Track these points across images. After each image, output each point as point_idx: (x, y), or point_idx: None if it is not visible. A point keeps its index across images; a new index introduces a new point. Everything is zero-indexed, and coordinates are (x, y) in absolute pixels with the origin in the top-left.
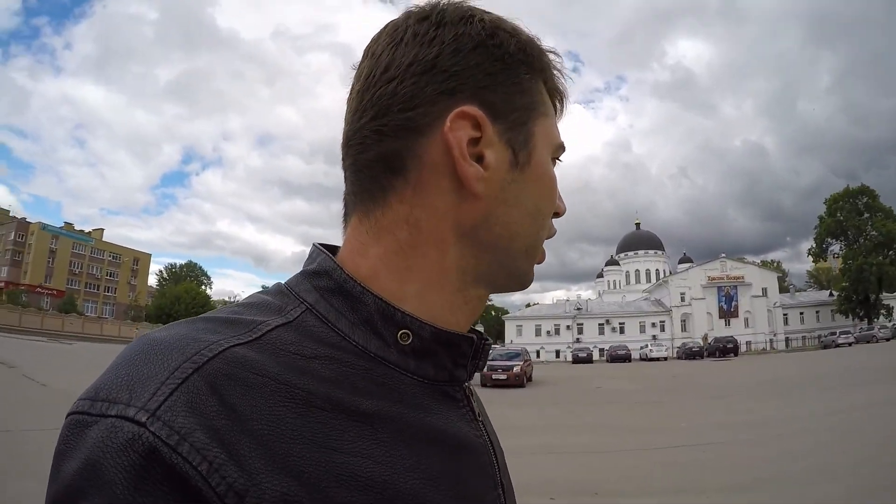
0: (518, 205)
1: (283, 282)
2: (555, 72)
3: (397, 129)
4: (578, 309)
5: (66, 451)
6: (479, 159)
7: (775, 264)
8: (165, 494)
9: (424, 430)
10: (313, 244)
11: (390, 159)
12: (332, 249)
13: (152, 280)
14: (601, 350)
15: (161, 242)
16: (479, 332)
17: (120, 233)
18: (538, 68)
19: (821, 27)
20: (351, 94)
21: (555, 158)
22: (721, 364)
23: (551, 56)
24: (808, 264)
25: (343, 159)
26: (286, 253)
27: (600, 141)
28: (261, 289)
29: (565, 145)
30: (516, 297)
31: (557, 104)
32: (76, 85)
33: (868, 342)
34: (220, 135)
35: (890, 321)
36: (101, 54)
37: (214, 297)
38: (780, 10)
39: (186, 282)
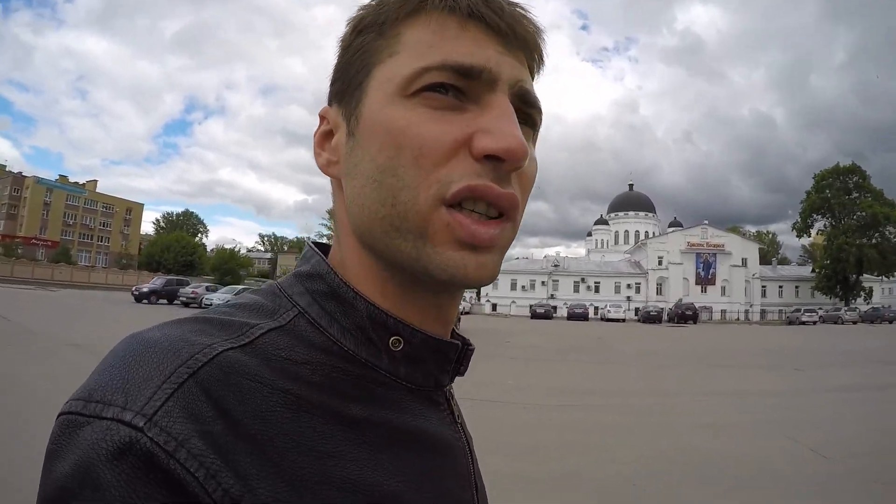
0: (358, 173)
1: (276, 282)
2: (383, 13)
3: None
4: (555, 266)
5: (58, 452)
6: (326, 148)
7: (770, 235)
8: (162, 500)
9: (410, 433)
10: (307, 244)
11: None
12: (326, 248)
13: (150, 228)
14: (574, 308)
15: (163, 191)
16: (464, 338)
17: (122, 182)
18: (385, 17)
19: (838, 2)
20: None
21: (434, 87)
22: (668, 331)
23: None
24: (806, 238)
25: None
26: (288, 202)
27: (607, 100)
28: (263, 234)
29: (450, 60)
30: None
31: (444, 17)
32: (78, 37)
33: (835, 323)
34: (224, 84)
35: (868, 303)
36: (105, 7)
37: (215, 245)
38: None
39: (178, 231)
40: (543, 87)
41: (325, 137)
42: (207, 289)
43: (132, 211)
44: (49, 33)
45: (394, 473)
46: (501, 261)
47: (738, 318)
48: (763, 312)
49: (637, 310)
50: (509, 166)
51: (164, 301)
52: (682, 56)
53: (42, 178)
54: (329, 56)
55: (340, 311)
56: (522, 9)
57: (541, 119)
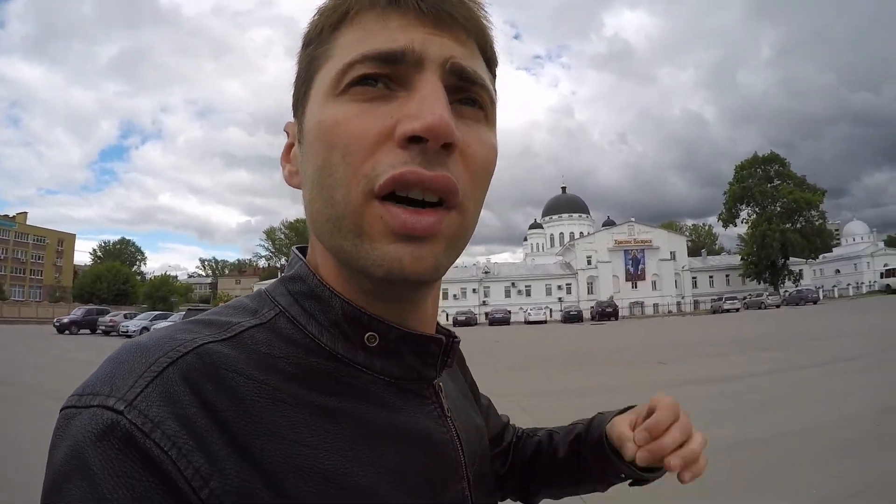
0: (307, 179)
1: (263, 287)
2: (353, 4)
3: None
4: (486, 272)
5: (56, 442)
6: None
7: (707, 227)
8: (139, 476)
9: (387, 426)
10: (292, 249)
11: None
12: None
13: (87, 258)
14: (510, 312)
15: (102, 220)
16: (449, 331)
17: (59, 212)
18: (322, 25)
19: (762, 1)
20: None
21: (362, 80)
22: (581, 329)
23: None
24: (742, 228)
25: None
26: (231, 224)
27: (543, 106)
28: (203, 259)
29: (369, 51)
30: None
31: (371, 14)
32: (9, 63)
33: (758, 308)
34: (160, 107)
35: (797, 286)
36: (40, 33)
37: (157, 272)
38: None
39: (114, 261)
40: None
41: (288, 150)
42: (125, 316)
43: (64, 242)
44: None
45: (369, 465)
46: (450, 254)
47: (670, 311)
48: (696, 303)
49: (560, 312)
50: (434, 144)
51: (87, 330)
52: (612, 61)
53: None
54: (266, 78)
55: (318, 309)
56: None
57: (491, 97)
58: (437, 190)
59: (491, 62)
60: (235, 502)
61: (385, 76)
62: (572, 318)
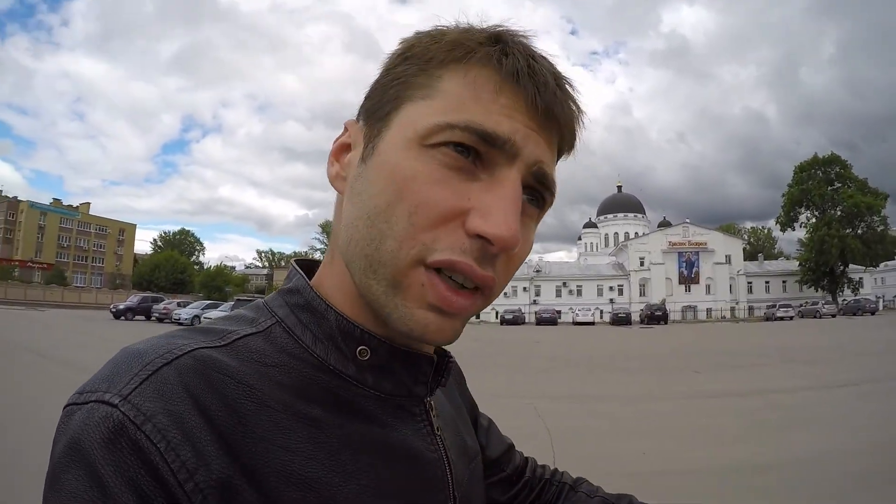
0: (358, 202)
1: (262, 299)
2: (429, 52)
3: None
4: (537, 271)
5: (58, 437)
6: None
7: (766, 231)
8: (129, 465)
9: (373, 441)
10: (291, 263)
11: (334, 179)
12: (310, 264)
13: (147, 247)
14: (558, 313)
15: (164, 210)
16: (444, 350)
17: (122, 202)
18: (433, 53)
19: None
20: None
21: (455, 144)
22: (627, 332)
23: (485, 45)
24: (801, 232)
25: None
26: (289, 217)
27: (600, 103)
28: (260, 250)
29: (475, 123)
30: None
31: (490, 75)
32: (74, 60)
33: (813, 317)
34: (220, 102)
35: (856, 295)
36: (103, 31)
37: (217, 262)
38: None
39: (173, 250)
40: None
41: (342, 149)
42: (178, 304)
43: (125, 232)
44: (47, 57)
45: (351, 477)
46: (463, 327)
47: (723, 317)
48: (751, 309)
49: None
50: (497, 251)
51: (142, 317)
52: (670, 58)
53: (35, 202)
54: (322, 73)
55: (313, 321)
56: (567, 87)
57: (552, 201)
58: (480, 285)
59: (562, 157)
60: (218, 497)
61: (476, 150)
62: (620, 320)
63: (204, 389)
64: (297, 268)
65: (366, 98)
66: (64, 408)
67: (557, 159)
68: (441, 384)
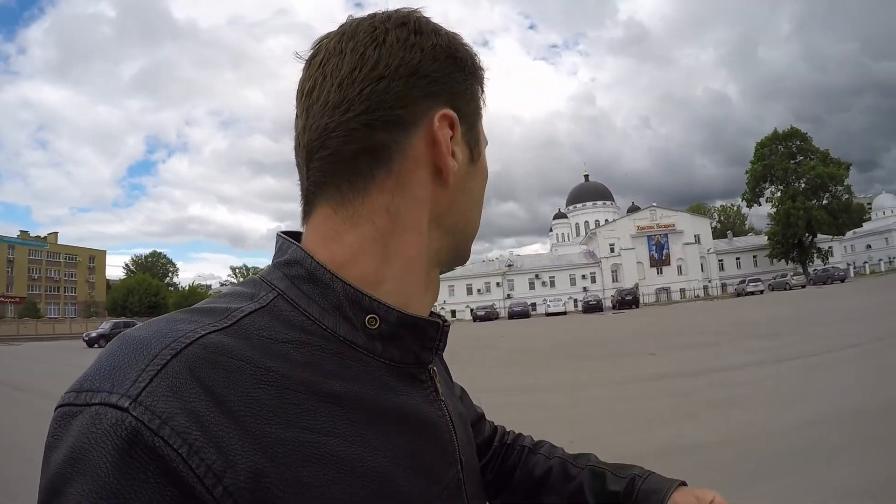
0: (471, 195)
1: (256, 274)
2: (485, 83)
3: (387, 124)
4: (509, 265)
5: (55, 443)
6: (452, 155)
7: (736, 208)
8: (148, 476)
9: (391, 410)
10: (278, 235)
11: (378, 151)
12: (296, 236)
13: (120, 273)
14: (533, 305)
15: (135, 234)
16: (442, 315)
17: (92, 229)
18: (479, 79)
19: None
20: (322, 85)
21: None
22: (596, 319)
23: (484, 70)
24: (768, 207)
25: (310, 150)
26: (261, 230)
27: (563, 95)
28: (234, 266)
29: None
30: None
31: (485, 109)
32: (34, 88)
33: (784, 290)
34: (184, 120)
35: (825, 264)
36: (62, 56)
37: (191, 282)
38: None
39: (145, 274)
40: (500, 90)
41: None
42: None
43: (95, 258)
44: (6, 86)
45: (378, 449)
46: None
47: (697, 296)
48: (723, 286)
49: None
50: None
51: None
52: (629, 46)
53: (2, 236)
54: (287, 84)
55: (318, 292)
56: None
57: None
58: None
59: None
60: (249, 498)
61: None
62: (592, 307)
63: (220, 381)
64: (290, 239)
65: (450, 90)
66: (57, 408)
67: None
68: (441, 349)
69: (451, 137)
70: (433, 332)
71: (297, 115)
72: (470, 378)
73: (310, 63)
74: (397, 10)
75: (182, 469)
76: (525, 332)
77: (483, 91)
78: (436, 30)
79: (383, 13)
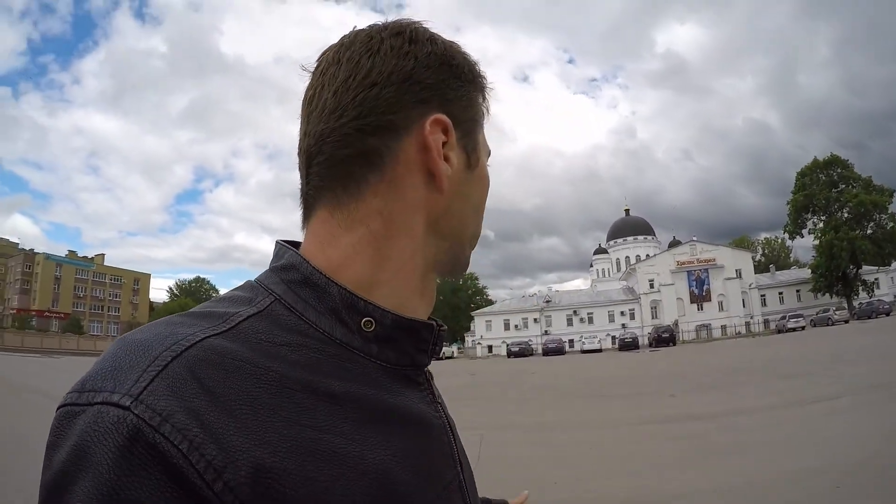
0: (468, 200)
1: (253, 279)
2: (487, 91)
3: (378, 129)
4: (547, 301)
5: (57, 441)
6: (445, 160)
7: (780, 241)
8: (149, 472)
9: (390, 410)
10: (277, 242)
11: (370, 155)
12: (296, 245)
13: (164, 296)
14: (570, 342)
15: (180, 259)
16: (436, 319)
17: (139, 252)
18: (479, 87)
19: None
20: (320, 93)
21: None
22: (630, 357)
23: (485, 78)
24: (800, 239)
25: (309, 155)
26: None
27: (604, 129)
28: None
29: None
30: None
31: (487, 118)
32: (86, 116)
33: (826, 325)
34: (230, 152)
35: (871, 297)
36: (115, 88)
37: None
38: None
39: (186, 298)
40: (540, 123)
41: (441, 149)
42: None
43: (139, 281)
44: (60, 113)
45: (378, 447)
46: None
47: (738, 332)
48: (766, 322)
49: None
50: None
51: None
52: (668, 77)
53: (51, 255)
54: None
55: (314, 296)
56: None
57: None
58: None
59: None
60: (249, 493)
61: None
62: (628, 345)
63: (219, 381)
64: (288, 245)
65: (444, 97)
66: (59, 407)
67: None
68: (436, 353)
69: (445, 143)
70: (427, 334)
71: (300, 122)
72: (482, 415)
73: (313, 73)
74: (396, 21)
75: (183, 464)
76: (555, 369)
77: (485, 99)
78: (432, 38)
79: (382, 24)
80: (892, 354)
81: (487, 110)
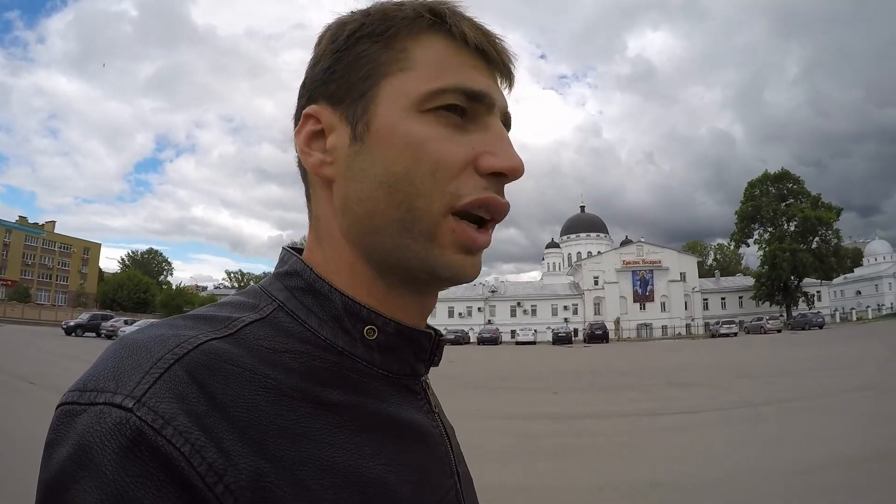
0: (365, 177)
1: (257, 283)
2: (403, 29)
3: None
4: (493, 291)
5: (57, 440)
6: (326, 148)
7: (732, 247)
8: (151, 474)
9: (387, 419)
10: (283, 248)
11: (300, 165)
12: (301, 251)
13: (116, 266)
14: (513, 333)
15: (136, 229)
16: (435, 328)
17: (94, 220)
18: (388, 31)
19: (788, 20)
20: None
21: (444, 107)
22: (556, 352)
23: (398, 17)
24: (745, 248)
25: None
26: (262, 237)
27: (570, 125)
28: (230, 271)
29: (463, 85)
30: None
31: (449, 42)
32: (50, 77)
33: (760, 333)
34: (194, 123)
35: (810, 308)
36: (81, 50)
37: (187, 282)
38: (745, 4)
39: (135, 270)
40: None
41: (312, 137)
42: (126, 322)
43: (89, 250)
44: (22, 73)
45: (373, 457)
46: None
47: (679, 334)
48: (707, 325)
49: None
50: (509, 181)
51: (92, 333)
52: (637, 82)
53: (1, 220)
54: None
55: (317, 304)
56: (506, 42)
57: None
58: (502, 215)
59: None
60: (249, 497)
61: (464, 109)
62: (561, 339)
63: (220, 385)
64: (292, 251)
65: (322, 83)
66: (59, 406)
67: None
68: (435, 363)
69: (322, 130)
70: (426, 343)
71: None
72: None
73: None
74: (337, 18)
75: (184, 467)
76: (476, 358)
77: (387, 43)
78: (331, 29)
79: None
80: (791, 370)
81: (406, 50)
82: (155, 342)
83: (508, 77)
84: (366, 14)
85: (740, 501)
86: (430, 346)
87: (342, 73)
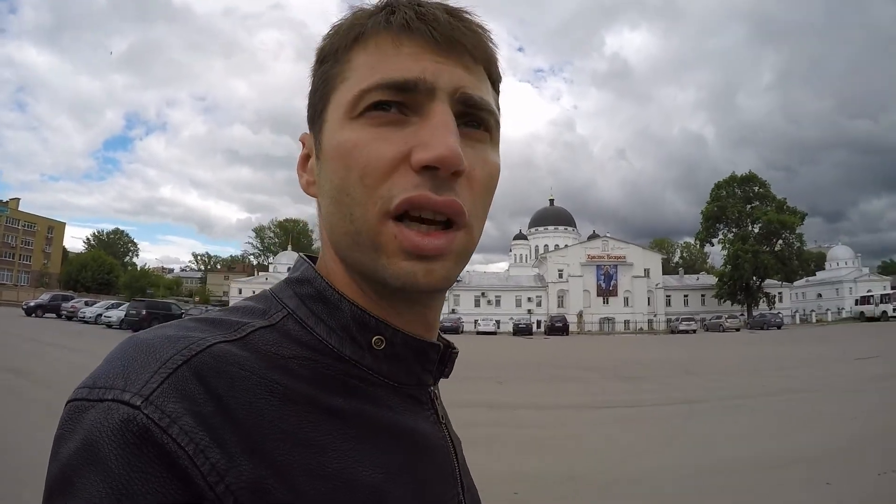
0: (324, 193)
1: (269, 289)
2: (367, 26)
3: None
4: (458, 281)
5: (65, 434)
6: (306, 170)
7: (696, 244)
8: (155, 470)
9: (391, 428)
10: (298, 255)
11: None
12: (314, 260)
13: (80, 246)
14: (475, 322)
15: (103, 208)
16: (447, 340)
17: (61, 198)
18: (337, 45)
19: (764, 27)
20: None
21: (377, 105)
22: (514, 342)
23: (375, 14)
24: (709, 247)
25: None
26: (230, 219)
27: (545, 119)
28: (196, 253)
29: (386, 79)
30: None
31: (393, 37)
32: (18, 48)
33: (718, 331)
34: (165, 102)
35: (771, 309)
36: (53, 22)
37: (154, 264)
38: (723, 9)
39: (99, 250)
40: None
41: (304, 160)
42: (85, 303)
43: (54, 229)
44: None
45: (375, 466)
46: (458, 265)
47: (640, 329)
48: (669, 321)
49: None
50: (444, 173)
51: (52, 314)
52: (612, 79)
53: None
54: (275, 79)
55: (326, 312)
56: (460, 15)
57: (496, 119)
58: (446, 213)
59: (496, 82)
60: (249, 498)
61: (398, 102)
62: (521, 330)
63: (226, 388)
64: (306, 258)
65: (307, 109)
66: (69, 402)
67: (493, 81)
68: (445, 374)
69: (305, 155)
70: (434, 354)
71: None
72: None
73: None
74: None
75: (188, 466)
76: None
77: (336, 59)
78: (320, 45)
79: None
80: (740, 369)
81: (349, 61)
82: (164, 343)
83: (467, 52)
84: (335, 29)
85: (643, 501)
86: (438, 357)
87: (311, 96)
